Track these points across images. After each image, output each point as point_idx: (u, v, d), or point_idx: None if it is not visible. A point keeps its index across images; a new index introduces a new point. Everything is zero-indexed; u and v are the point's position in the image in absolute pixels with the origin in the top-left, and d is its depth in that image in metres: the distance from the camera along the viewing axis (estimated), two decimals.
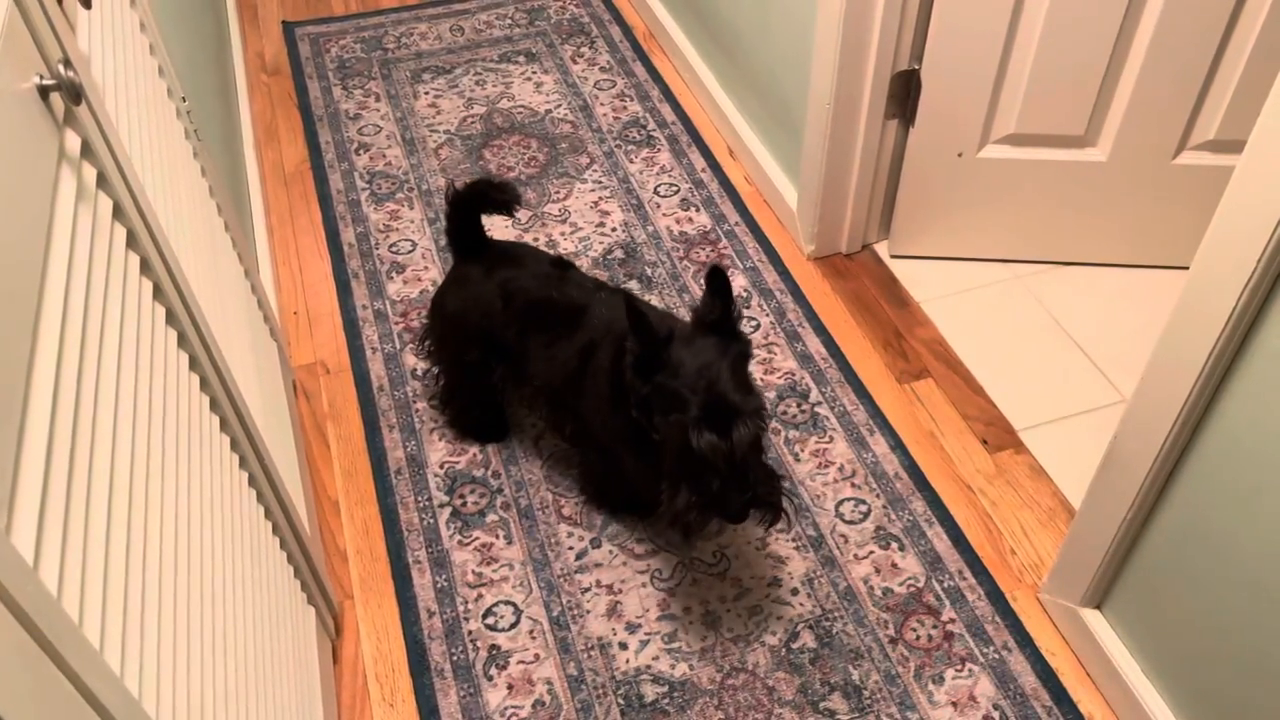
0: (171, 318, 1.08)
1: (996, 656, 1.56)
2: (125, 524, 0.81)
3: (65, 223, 0.84)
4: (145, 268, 1.04)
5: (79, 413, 0.76)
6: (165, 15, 1.73)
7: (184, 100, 1.59)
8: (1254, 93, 1.82)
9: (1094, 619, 1.51)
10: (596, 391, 1.54)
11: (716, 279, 1.34)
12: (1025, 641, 1.58)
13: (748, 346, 1.37)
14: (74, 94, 0.88)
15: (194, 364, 1.13)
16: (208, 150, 1.73)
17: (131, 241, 1.01)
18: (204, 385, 1.15)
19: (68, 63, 0.89)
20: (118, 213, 0.99)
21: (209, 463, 1.10)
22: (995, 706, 1.50)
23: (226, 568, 1.07)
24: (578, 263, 2.12)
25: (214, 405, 1.18)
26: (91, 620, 0.70)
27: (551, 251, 2.11)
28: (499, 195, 1.62)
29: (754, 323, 2.09)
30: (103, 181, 0.97)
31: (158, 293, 1.06)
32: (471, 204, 1.66)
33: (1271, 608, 1.17)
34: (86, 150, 0.94)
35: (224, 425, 1.20)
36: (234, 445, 1.22)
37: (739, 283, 2.17)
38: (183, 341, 1.11)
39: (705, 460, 1.29)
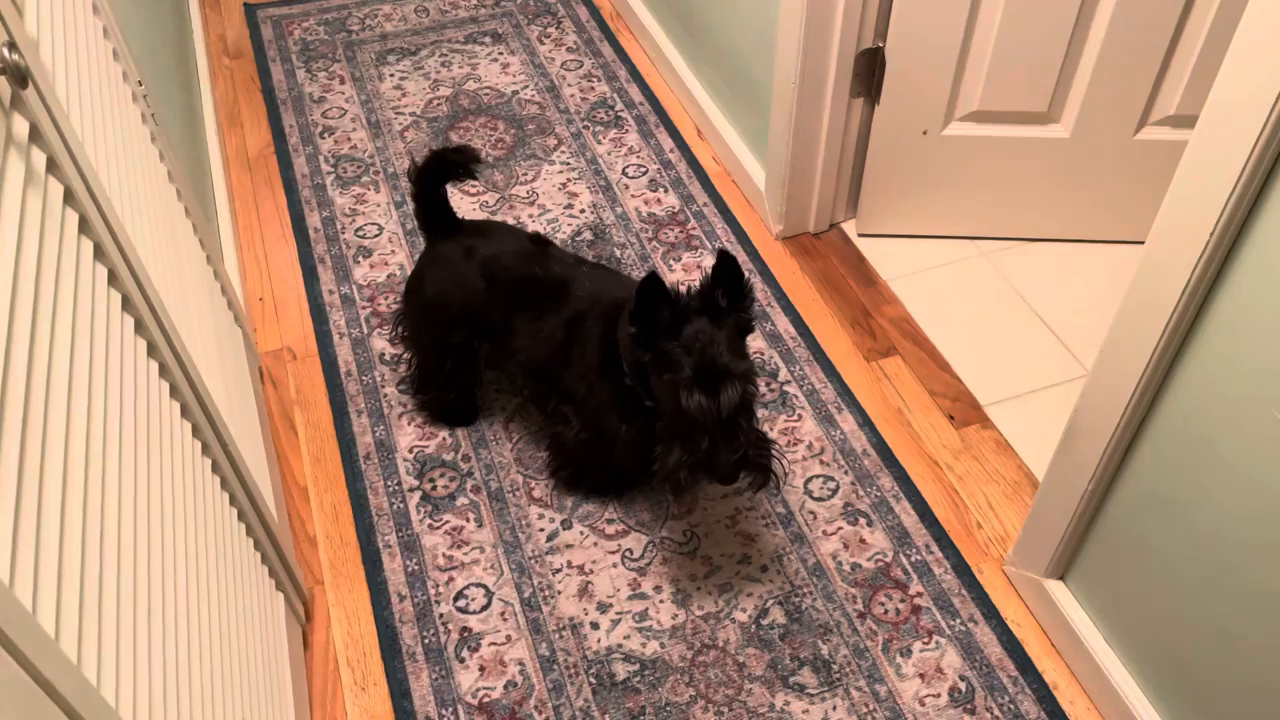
0: (128, 304, 1.07)
1: (963, 629, 1.58)
2: (80, 511, 0.80)
3: (13, 209, 0.83)
4: (99, 253, 1.02)
5: (29, 401, 0.76)
6: None
7: (140, 84, 1.57)
8: (1214, 68, 1.81)
9: (1058, 590, 1.54)
10: (585, 362, 1.57)
11: (725, 264, 1.37)
12: (991, 613, 1.60)
13: (748, 321, 1.42)
14: (20, 77, 0.87)
15: (152, 350, 1.12)
16: (167, 135, 1.70)
17: (84, 228, 1.00)
18: (163, 372, 1.14)
19: (13, 45, 0.87)
20: (69, 198, 0.97)
21: (169, 450, 1.09)
22: (962, 677, 1.53)
23: (189, 555, 1.06)
24: None
25: (174, 392, 1.17)
26: (46, 608, 0.70)
27: None
28: (457, 157, 1.63)
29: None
30: (53, 166, 0.95)
31: (113, 279, 1.04)
32: (435, 175, 1.65)
33: (1227, 575, 1.20)
34: (35, 135, 0.93)
35: (185, 412, 1.19)
36: (196, 432, 1.22)
37: (707, 263, 2.17)
38: (140, 328, 1.10)
39: (695, 420, 1.34)
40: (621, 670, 1.54)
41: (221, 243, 2.08)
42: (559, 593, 1.63)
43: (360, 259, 2.19)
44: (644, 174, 2.39)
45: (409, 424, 1.87)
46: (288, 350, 2.02)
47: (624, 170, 2.40)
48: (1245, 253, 1.06)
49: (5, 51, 0.85)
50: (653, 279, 1.33)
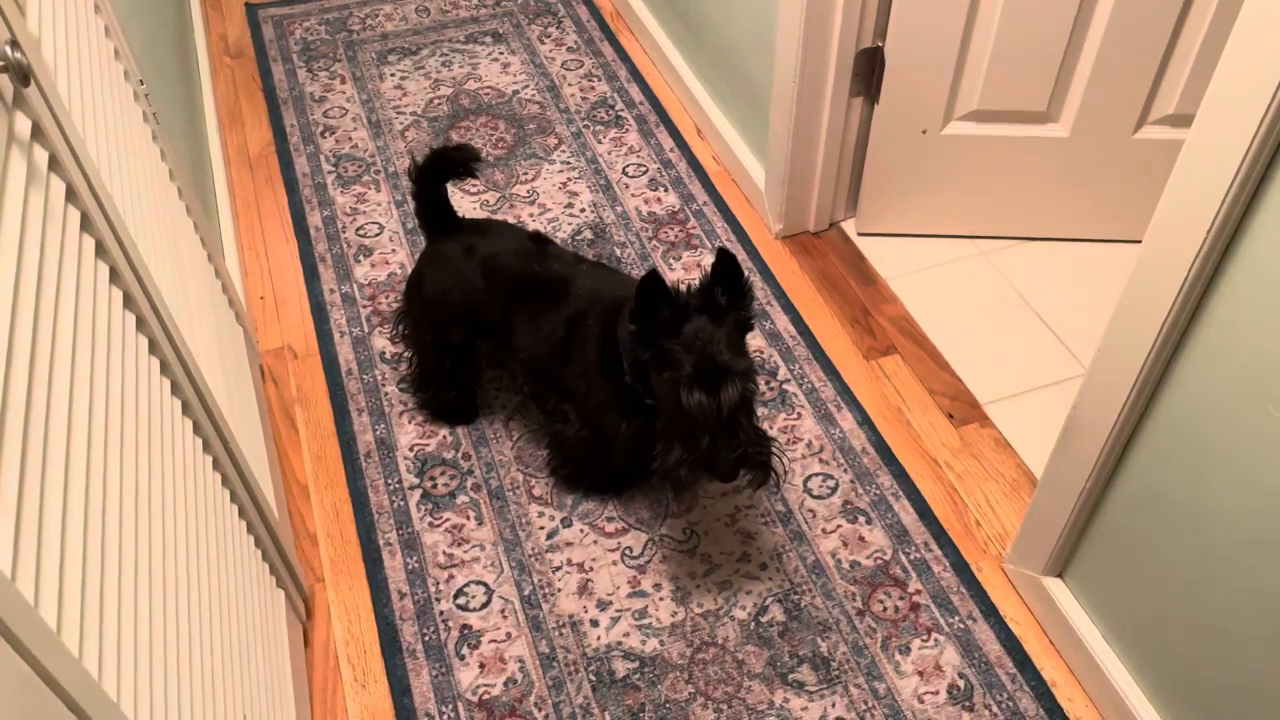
0: (129, 301, 1.08)
1: (961, 626, 1.59)
2: (82, 507, 0.80)
3: (15, 206, 0.83)
4: (101, 252, 1.03)
5: (32, 397, 0.76)
6: None
7: (141, 83, 1.57)
8: (1213, 67, 1.82)
9: (1056, 587, 1.54)
10: (584, 360, 1.57)
11: (725, 263, 1.38)
12: (990, 611, 1.60)
13: (747, 318, 1.42)
14: (22, 75, 0.87)
15: (153, 348, 1.12)
16: (168, 134, 1.71)
17: (86, 225, 1.00)
18: (164, 369, 1.15)
19: (15, 44, 0.88)
20: (71, 196, 0.98)
21: (171, 447, 1.09)
22: (960, 675, 1.53)
23: (190, 551, 1.06)
24: None
25: (175, 389, 1.17)
26: (48, 602, 0.70)
27: None
28: (458, 155, 1.64)
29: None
30: (55, 164, 0.96)
31: (114, 277, 1.05)
32: (435, 174, 1.66)
33: (1224, 571, 1.20)
34: (37, 133, 0.93)
35: (186, 409, 1.20)
36: (197, 429, 1.22)
37: (707, 262, 2.18)
38: (141, 325, 1.10)
39: (695, 418, 1.34)
40: (621, 667, 1.54)
41: (222, 241, 2.09)
42: (559, 590, 1.64)
43: (361, 258, 2.19)
44: (644, 173, 2.40)
45: (409, 422, 1.88)
46: (288, 349, 2.02)
47: (624, 169, 2.40)
48: (1242, 250, 1.07)
49: (7, 49, 0.86)
50: (653, 277, 1.34)
